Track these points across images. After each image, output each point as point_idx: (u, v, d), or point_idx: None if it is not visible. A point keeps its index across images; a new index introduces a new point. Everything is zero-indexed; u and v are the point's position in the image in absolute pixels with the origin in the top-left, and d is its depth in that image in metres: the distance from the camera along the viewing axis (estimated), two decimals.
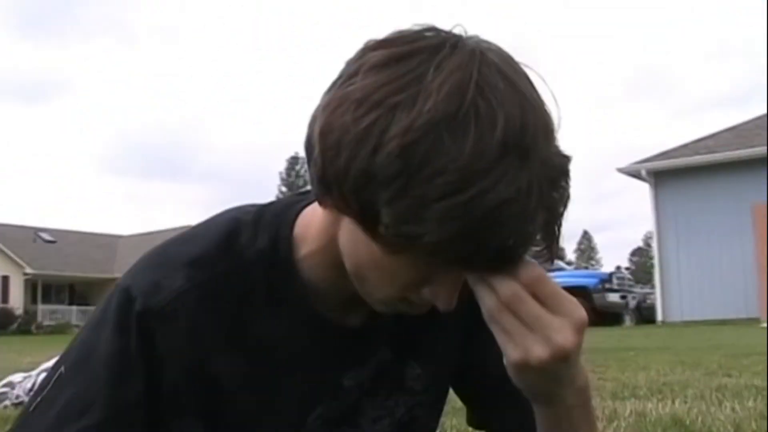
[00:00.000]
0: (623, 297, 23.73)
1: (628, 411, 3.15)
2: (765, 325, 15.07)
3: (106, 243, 56.61)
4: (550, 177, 0.96)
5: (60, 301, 52.66)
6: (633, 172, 21.47)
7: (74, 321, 50.07)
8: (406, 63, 0.95)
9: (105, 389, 1.10)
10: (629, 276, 27.67)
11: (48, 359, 4.36)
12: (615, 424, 2.91)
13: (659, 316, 20.81)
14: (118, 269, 52.32)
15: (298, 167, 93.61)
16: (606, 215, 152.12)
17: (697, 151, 20.54)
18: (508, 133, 0.91)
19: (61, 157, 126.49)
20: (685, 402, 3.39)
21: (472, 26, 1.00)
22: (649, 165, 20.94)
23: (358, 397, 1.24)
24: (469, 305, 1.08)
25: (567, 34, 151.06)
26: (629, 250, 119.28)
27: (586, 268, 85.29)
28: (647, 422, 2.93)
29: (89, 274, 52.19)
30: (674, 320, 20.11)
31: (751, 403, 3.37)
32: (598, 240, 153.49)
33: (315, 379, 1.20)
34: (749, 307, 17.45)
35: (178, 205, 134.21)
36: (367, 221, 0.97)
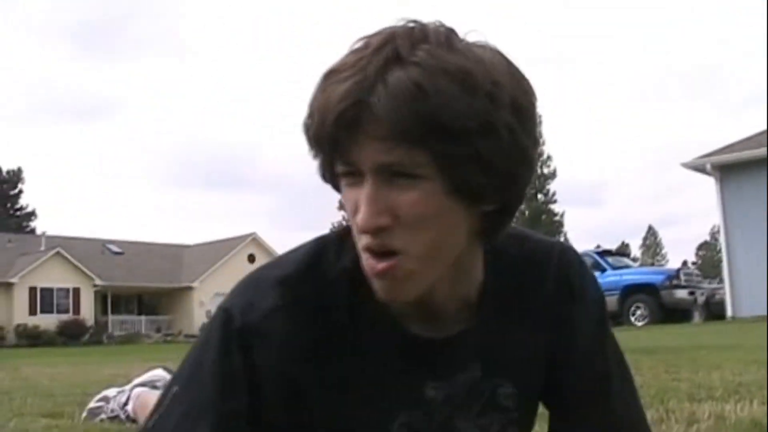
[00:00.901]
0: (691, 293, 23.41)
1: (706, 414, 3.15)
2: None
3: (173, 253, 57.33)
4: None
5: (129, 312, 53.53)
6: (698, 167, 21.24)
7: (144, 331, 50.91)
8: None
9: (213, 402, 1.20)
10: (697, 271, 27.32)
11: (134, 372, 4.48)
12: (695, 427, 2.92)
13: (729, 312, 20.51)
14: (186, 278, 53.09)
15: None
16: (671, 210, 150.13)
17: (762, 143, 20.25)
18: None
19: (124, 172, 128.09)
20: (763, 403, 3.38)
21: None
22: (713, 159, 20.69)
23: (449, 412, 1.30)
24: (551, 323, 1.15)
25: (621, 33, 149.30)
26: (695, 244, 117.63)
27: (652, 264, 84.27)
28: (727, 425, 2.93)
29: (156, 284, 52.98)
30: (744, 315, 19.82)
31: None
32: (663, 235, 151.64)
33: (397, 388, 1.26)
34: None
35: (241, 216, 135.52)
36: None
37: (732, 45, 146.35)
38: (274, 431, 1.23)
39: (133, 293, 53.53)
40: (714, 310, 24.28)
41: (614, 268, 24.19)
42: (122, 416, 3.05)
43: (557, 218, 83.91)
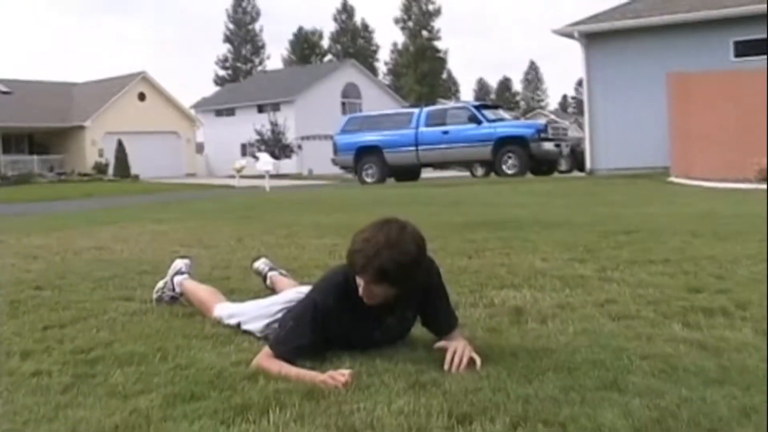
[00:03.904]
0: (557, 146, 25.92)
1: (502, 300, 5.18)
2: (672, 179, 17.45)
3: (62, 91, 57.04)
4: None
5: (20, 151, 53.51)
6: (567, 33, 23.26)
7: (36, 170, 51.21)
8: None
9: (309, 333, 3.23)
10: (564, 126, 29.78)
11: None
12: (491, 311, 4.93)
13: (588, 165, 23.08)
14: (77, 117, 53.21)
15: (244, 4, 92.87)
16: (550, 44, 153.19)
17: (625, 15, 22.39)
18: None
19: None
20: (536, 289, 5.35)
21: None
22: (581, 27, 22.75)
23: (383, 331, 3.36)
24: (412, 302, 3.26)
25: None
26: (575, 79, 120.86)
27: (526, 113, 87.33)
28: (502, 310, 4.97)
29: (47, 124, 53.02)
30: (601, 167, 22.46)
31: None
32: (544, 70, 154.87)
33: (371, 326, 3.33)
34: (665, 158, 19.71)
35: (126, 44, 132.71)
36: None
37: None
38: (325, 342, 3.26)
39: (24, 133, 53.55)
40: (579, 159, 26.99)
41: (489, 120, 26.40)
42: (179, 297, 4.56)
43: (441, 55, 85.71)
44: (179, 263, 4.78)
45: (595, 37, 22.57)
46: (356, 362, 3.15)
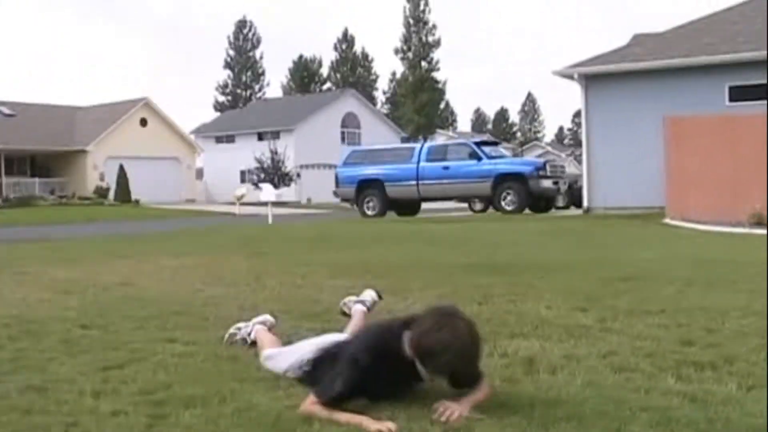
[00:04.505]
0: (555, 183, 26.63)
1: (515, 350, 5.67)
2: (667, 220, 17.97)
3: (65, 115, 57.83)
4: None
5: (22, 174, 54.10)
6: (567, 75, 23.87)
7: (37, 192, 51.75)
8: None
9: (348, 384, 3.69)
10: (561, 164, 30.40)
11: None
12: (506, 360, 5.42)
13: (585, 203, 23.62)
14: (79, 141, 53.80)
15: (246, 31, 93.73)
16: (544, 76, 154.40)
17: (624, 58, 23.02)
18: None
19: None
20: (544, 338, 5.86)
21: None
22: (580, 69, 23.37)
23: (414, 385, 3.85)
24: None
25: None
26: (572, 111, 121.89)
27: (522, 150, 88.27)
28: (516, 360, 5.46)
29: (50, 147, 53.63)
30: (597, 205, 22.99)
31: None
32: (541, 102, 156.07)
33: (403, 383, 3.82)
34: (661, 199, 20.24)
35: (128, 70, 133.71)
36: None
37: None
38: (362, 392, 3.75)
39: (26, 155, 54.10)
40: (576, 195, 27.62)
41: (490, 157, 27.05)
42: (248, 340, 5.06)
43: (440, 86, 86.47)
44: (263, 317, 5.34)
45: (594, 79, 23.18)
46: (396, 408, 3.62)
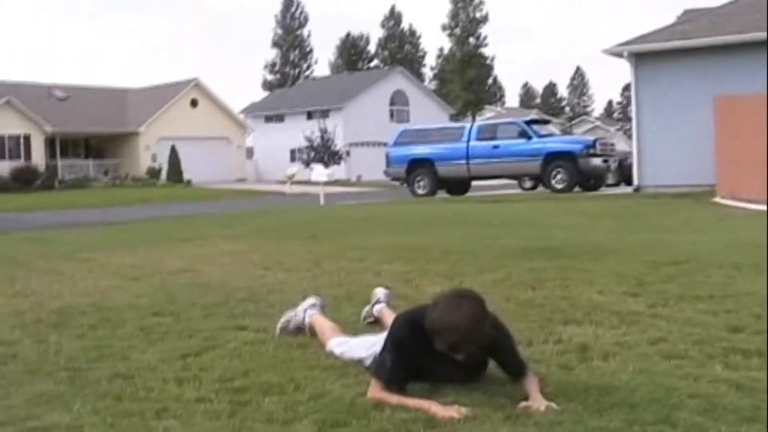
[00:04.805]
0: (605, 161, 26.62)
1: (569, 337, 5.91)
2: (717, 199, 17.99)
3: (117, 97, 58.66)
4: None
5: (77, 156, 55.09)
6: (616, 53, 23.82)
7: (92, 174, 52.72)
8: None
9: (396, 362, 3.99)
10: (611, 142, 30.30)
11: None
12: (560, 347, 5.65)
13: (635, 181, 23.60)
14: (131, 123, 54.62)
15: (293, 9, 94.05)
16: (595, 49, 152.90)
17: (673, 36, 22.93)
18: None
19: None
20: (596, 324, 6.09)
21: None
22: (629, 47, 23.31)
23: (456, 366, 4.09)
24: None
25: None
26: (621, 84, 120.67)
27: (571, 127, 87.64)
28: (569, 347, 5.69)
29: (103, 129, 54.55)
30: (648, 183, 22.98)
31: None
32: (590, 76, 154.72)
33: (442, 361, 4.06)
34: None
35: (178, 51, 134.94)
36: None
37: None
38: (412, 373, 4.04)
39: (80, 138, 55.05)
40: (627, 173, 27.59)
41: (539, 136, 27.13)
42: (305, 329, 5.31)
43: (487, 62, 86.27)
44: (310, 300, 5.61)
45: (643, 57, 23.08)
46: (459, 395, 3.90)
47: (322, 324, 5.24)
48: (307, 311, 5.46)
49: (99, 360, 4.91)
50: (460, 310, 3.80)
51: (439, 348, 3.89)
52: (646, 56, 23.05)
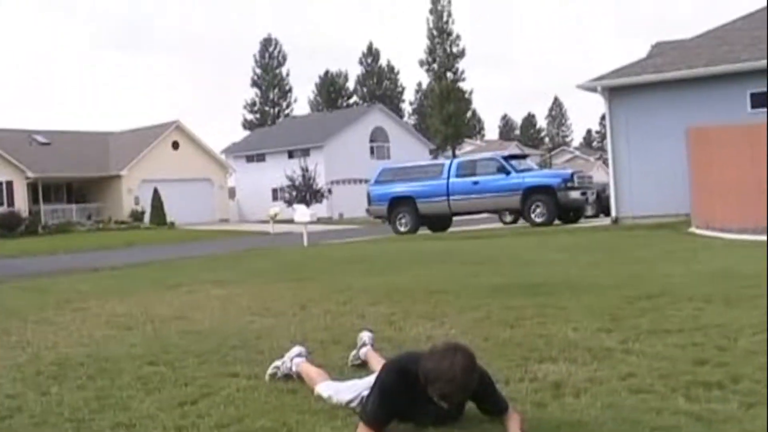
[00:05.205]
0: (583, 194, 27.09)
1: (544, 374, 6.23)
2: (693, 229, 18.40)
3: (99, 140, 58.92)
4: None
5: (59, 200, 55.22)
6: (590, 88, 24.36)
7: (75, 218, 52.80)
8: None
9: (383, 404, 4.30)
10: (589, 175, 30.81)
11: None
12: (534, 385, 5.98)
13: (613, 213, 24.04)
14: (114, 167, 54.81)
15: (271, 49, 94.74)
16: (575, 77, 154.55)
17: (645, 70, 23.48)
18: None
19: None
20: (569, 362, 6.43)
21: None
22: (603, 82, 23.86)
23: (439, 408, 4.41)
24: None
25: None
26: (600, 114, 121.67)
27: (550, 162, 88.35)
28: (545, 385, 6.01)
29: (85, 173, 54.69)
30: (625, 215, 23.42)
31: None
32: (568, 106, 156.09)
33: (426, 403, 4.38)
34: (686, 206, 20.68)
35: (157, 93, 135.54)
36: None
37: None
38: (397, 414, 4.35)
39: (63, 182, 55.21)
40: (605, 203, 28.08)
41: (518, 171, 27.59)
42: (293, 375, 5.62)
43: (466, 96, 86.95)
44: (296, 350, 5.90)
45: (617, 91, 23.63)
46: None
47: (309, 370, 5.55)
48: (294, 360, 5.77)
49: (101, 411, 5.17)
50: (453, 363, 4.12)
51: (430, 395, 4.19)
52: (620, 90, 23.63)
